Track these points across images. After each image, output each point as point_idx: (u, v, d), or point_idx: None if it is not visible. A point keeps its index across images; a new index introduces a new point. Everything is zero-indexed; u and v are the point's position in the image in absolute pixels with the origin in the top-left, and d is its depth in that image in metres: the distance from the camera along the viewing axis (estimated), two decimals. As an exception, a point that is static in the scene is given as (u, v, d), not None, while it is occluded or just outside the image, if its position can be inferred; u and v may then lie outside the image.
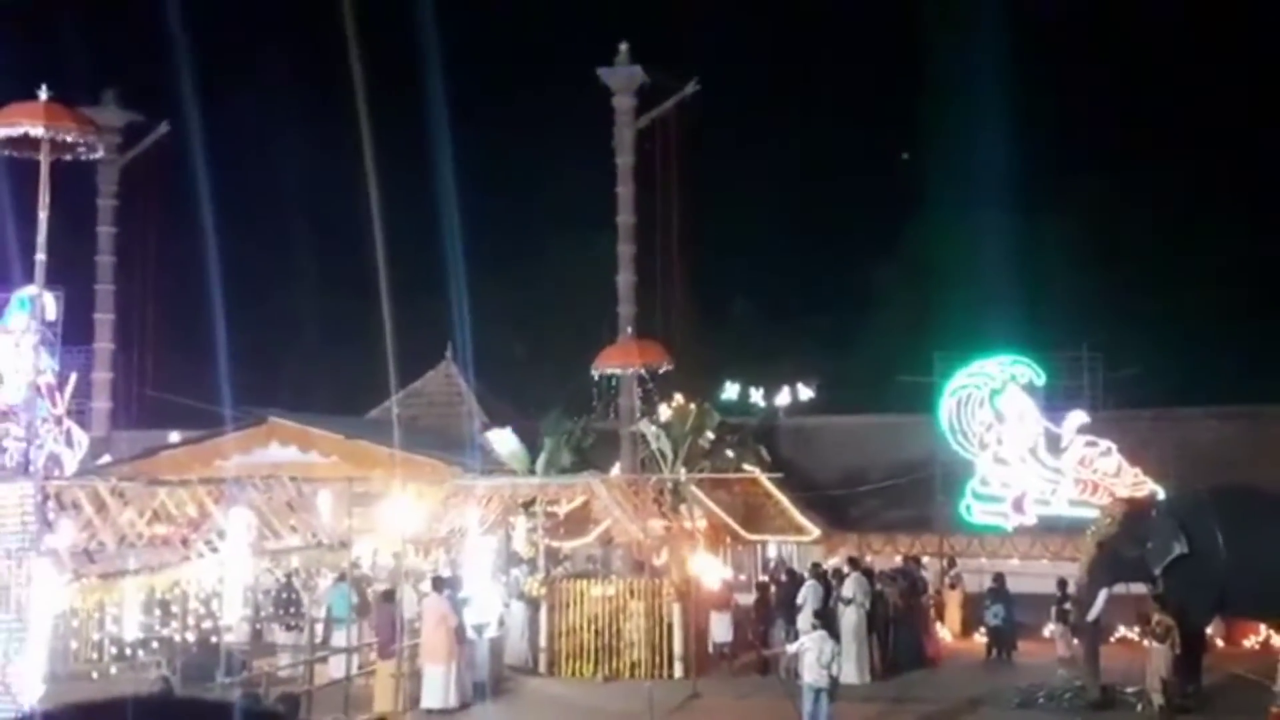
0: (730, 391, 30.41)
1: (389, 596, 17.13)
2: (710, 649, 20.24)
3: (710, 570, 20.49)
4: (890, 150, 38.32)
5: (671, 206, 25.10)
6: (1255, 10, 35.53)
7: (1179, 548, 16.65)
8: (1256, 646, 21.15)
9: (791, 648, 15.46)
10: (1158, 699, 16.26)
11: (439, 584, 17.26)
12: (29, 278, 17.82)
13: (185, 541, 13.78)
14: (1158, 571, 17.01)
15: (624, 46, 25.33)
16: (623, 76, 25.28)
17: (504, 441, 22.53)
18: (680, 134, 25.26)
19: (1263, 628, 21.06)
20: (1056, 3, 37.69)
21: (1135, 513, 18.09)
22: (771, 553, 26.50)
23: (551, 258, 37.41)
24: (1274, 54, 34.63)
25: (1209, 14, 36.12)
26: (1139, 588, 18.30)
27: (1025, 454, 23.93)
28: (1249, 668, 18.29)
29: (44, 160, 15.69)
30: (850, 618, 19.03)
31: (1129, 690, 17.06)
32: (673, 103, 25.39)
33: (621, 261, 25.23)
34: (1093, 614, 17.40)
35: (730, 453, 24.51)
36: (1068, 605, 19.49)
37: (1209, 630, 18.64)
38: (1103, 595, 17.37)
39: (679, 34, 31.39)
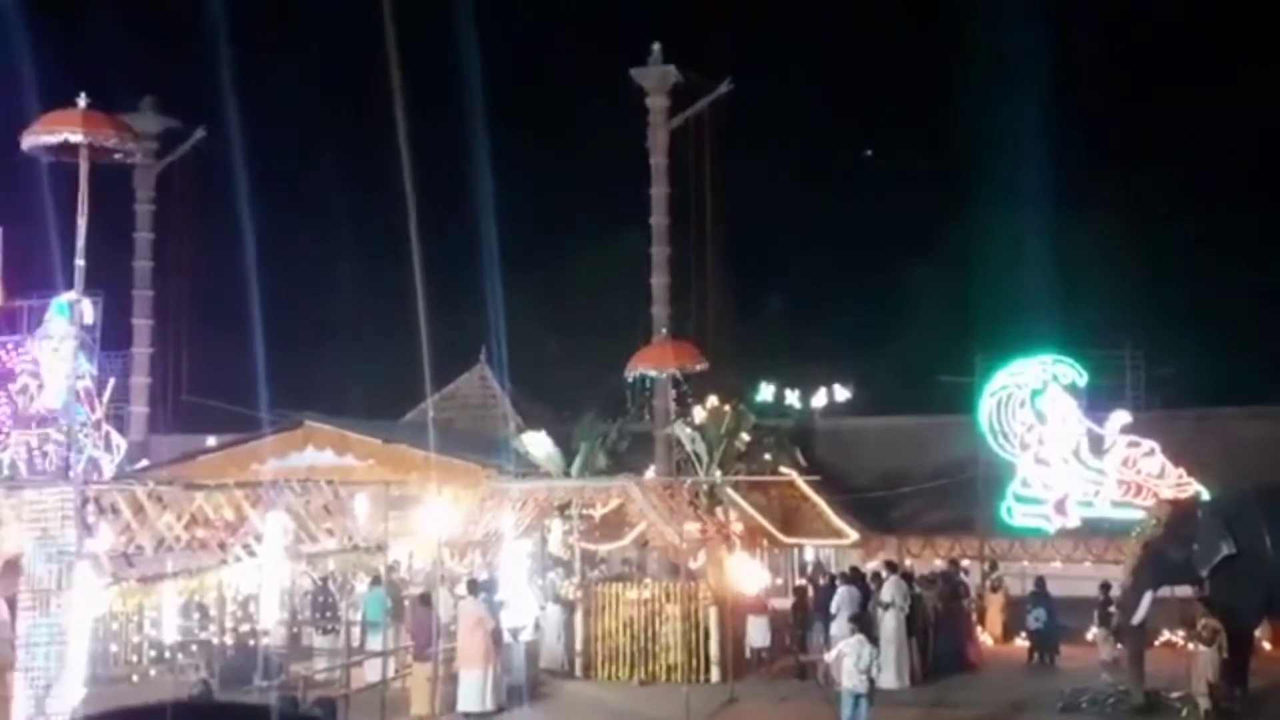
0: (766, 393, 30.22)
1: (425, 600, 17.12)
2: (748, 653, 20.11)
3: (749, 573, 20.37)
4: (927, 148, 37.98)
5: (705, 207, 24.98)
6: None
7: (1226, 548, 16.37)
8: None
9: (830, 654, 15.31)
10: (1204, 704, 15.99)
11: (475, 587, 17.23)
12: (68, 283, 17.96)
13: (223, 545, 13.82)
14: (1204, 573, 16.72)
15: (656, 46, 25.23)
16: (655, 76, 25.19)
17: (539, 444, 22.50)
18: (714, 134, 25.12)
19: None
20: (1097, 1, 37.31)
21: (1180, 514, 17.76)
22: (809, 556, 26.31)
23: (585, 259, 37.38)
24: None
25: (1249, 9, 35.61)
26: (1183, 590, 18.03)
27: (1067, 455, 23.61)
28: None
29: (83, 166, 15.78)
30: (889, 622, 18.83)
31: (1174, 695, 16.78)
32: (706, 102, 25.25)
33: (655, 263, 25.13)
34: (1138, 617, 17.11)
35: (766, 455, 24.36)
36: (1111, 608, 19.21)
37: (1256, 633, 18.29)
38: (1148, 598, 17.06)
39: (712, 33, 31.25)
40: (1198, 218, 33.60)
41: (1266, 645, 20.30)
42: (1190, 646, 16.63)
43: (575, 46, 38.25)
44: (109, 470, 23.04)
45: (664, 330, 24.19)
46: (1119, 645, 18.69)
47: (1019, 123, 31.46)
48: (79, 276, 16.48)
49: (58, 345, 22.12)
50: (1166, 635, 20.43)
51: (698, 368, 22.80)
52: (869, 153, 38.87)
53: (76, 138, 15.32)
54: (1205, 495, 21.08)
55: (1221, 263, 33.33)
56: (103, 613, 12.30)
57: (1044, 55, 31.50)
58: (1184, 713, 16.32)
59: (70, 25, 31.44)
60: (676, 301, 25.14)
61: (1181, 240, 33.25)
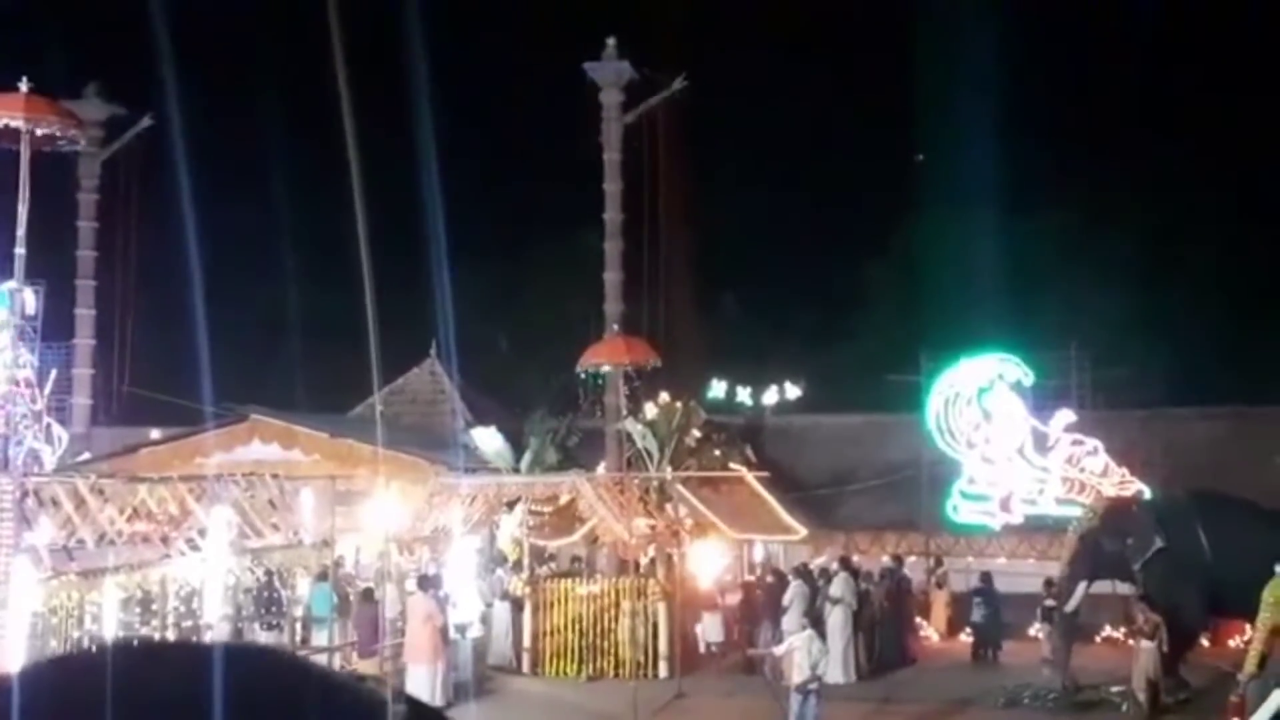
0: (717, 390, 30.29)
1: (369, 596, 16.99)
2: (701, 648, 20.19)
3: (704, 568, 20.46)
4: (881, 148, 38.23)
5: (659, 203, 24.97)
6: (1247, 12, 35.61)
7: (1159, 541, 16.84)
8: (1242, 645, 21.15)
9: (780, 648, 15.39)
10: (1144, 698, 16.26)
11: (425, 583, 17.13)
12: (8, 272, 17.60)
13: (166, 539, 13.64)
14: (1137, 567, 17.15)
15: (611, 41, 25.15)
16: (610, 72, 25.11)
17: (489, 440, 22.40)
18: (668, 130, 25.10)
19: (1247, 627, 21.09)
20: (1049, 2, 37.79)
21: (1117, 509, 18.43)
22: (758, 552, 26.42)
23: (539, 256, 37.26)
24: (1265, 55, 34.70)
25: (1201, 15, 36.23)
26: (1125, 588, 18.36)
27: (1012, 453, 23.89)
28: (1234, 666, 18.29)
29: (24, 152, 15.52)
30: (836, 617, 18.97)
31: (1114, 690, 17.04)
32: (660, 99, 25.21)
33: (609, 259, 25.07)
34: (1071, 605, 17.55)
35: (717, 451, 24.41)
36: (1052, 603, 19.52)
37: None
38: (1081, 587, 17.53)
39: (667, 29, 31.27)
40: (1147, 220, 34.10)
41: (1204, 642, 20.66)
42: (1130, 642, 16.91)
43: (529, 40, 38.12)
44: (50, 462, 22.58)
45: (615, 327, 24.16)
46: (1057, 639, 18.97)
47: (970, 124, 31.79)
48: (19, 265, 16.20)
49: (-3, 335, 21.62)
50: (1108, 631, 20.75)
51: (650, 364, 22.80)
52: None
53: (18, 123, 15.06)
54: (1147, 494, 21.46)
55: (1170, 265, 33.86)
56: (42, 607, 12.09)
57: (998, 55, 31.85)
58: (1124, 707, 16.59)
59: (11, 7, 30.78)
60: (630, 299, 25.10)
61: (1130, 242, 33.72)
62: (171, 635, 15.74)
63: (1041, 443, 23.69)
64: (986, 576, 22.02)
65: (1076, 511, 21.02)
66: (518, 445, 22.66)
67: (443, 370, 28.27)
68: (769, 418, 29.74)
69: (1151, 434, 24.20)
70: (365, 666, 16.27)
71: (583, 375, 23.52)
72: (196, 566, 13.69)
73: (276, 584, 16.56)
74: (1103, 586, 18.47)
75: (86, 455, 25.08)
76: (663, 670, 18.81)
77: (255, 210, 34.39)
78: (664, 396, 24.21)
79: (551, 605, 19.51)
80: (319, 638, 17.63)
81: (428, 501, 19.94)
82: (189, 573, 13.79)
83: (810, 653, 14.14)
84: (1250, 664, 13.67)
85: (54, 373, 24.45)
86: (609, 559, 21.95)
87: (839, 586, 19.43)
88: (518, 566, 21.12)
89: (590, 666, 19.17)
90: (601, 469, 22.90)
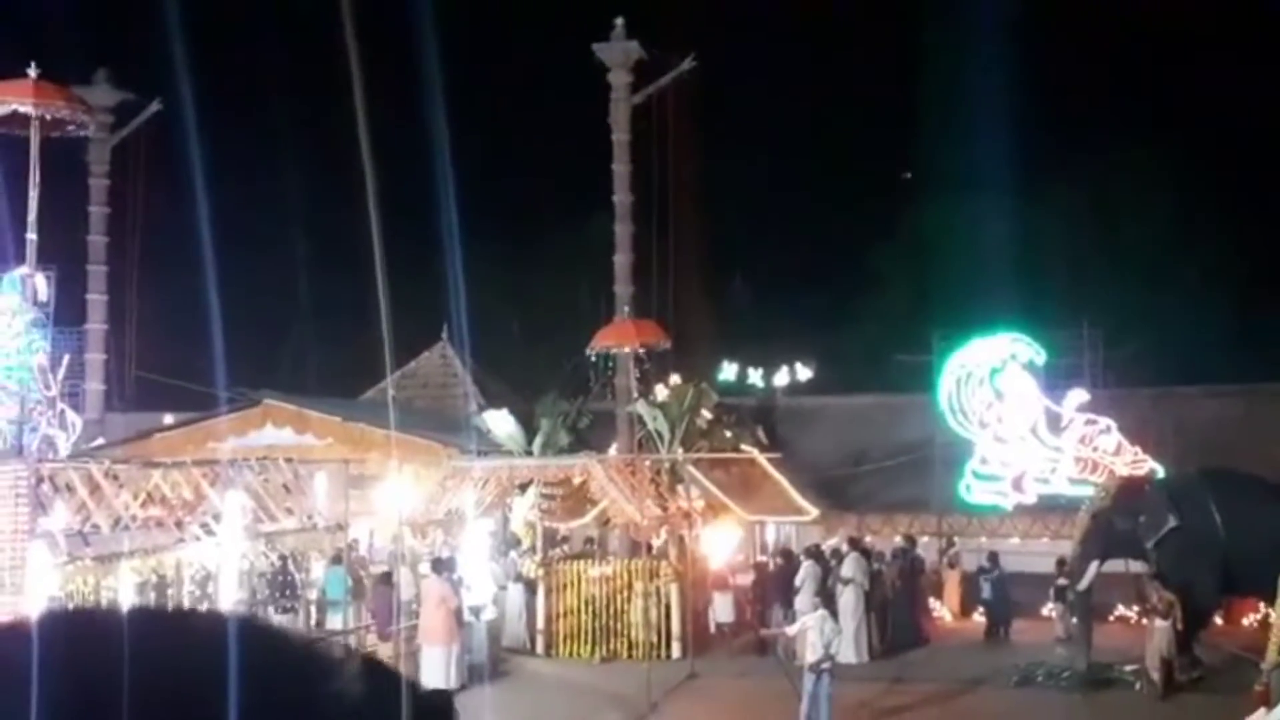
0: (728, 371, 30.27)
1: (386, 579, 17.05)
2: (713, 628, 20.22)
3: (716, 548, 20.49)
4: (889, 129, 38.10)
5: (668, 184, 24.90)
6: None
7: (1173, 520, 16.79)
8: (1255, 625, 21.13)
9: (792, 629, 15.42)
10: (1158, 677, 16.26)
11: (439, 565, 17.19)
12: (19, 257, 17.65)
13: (180, 524, 13.70)
14: (1150, 545, 17.11)
15: (619, 21, 25.06)
16: (618, 52, 25.02)
17: (501, 422, 22.44)
18: (677, 111, 25.01)
19: (1261, 606, 21.06)
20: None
21: (1129, 487, 18.38)
22: (770, 533, 26.45)
23: (547, 237, 37.24)
24: (1272, 33, 34.41)
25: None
26: (1138, 566, 18.35)
27: (1025, 432, 23.82)
28: (1245, 645, 18.30)
29: (34, 138, 15.56)
30: (848, 598, 18.99)
31: (1128, 668, 17.04)
32: (669, 79, 25.12)
33: (618, 240, 25.03)
34: (1083, 583, 17.54)
35: (728, 433, 24.41)
36: (1064, 582, 19.51)
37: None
38: (1094, 566, 17.49)
39: (676, 9, 31.14)
40: (1156, 199, 33.90)
41: (1218, 620, 20.63)
42: (1144, 621, 16.89)
43: (537, 21, 38.00)
44: (64, 448, 22.68)
45: (626, 309, 24.15)
46: (1074, 620, 18.98)
47: (980, 103, 31.60)
48: (31, 250, 16.26)
49: (10, 321, 21.70)
50: (1120, 610, 20.73)
51: (660, 346, 22.79)
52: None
53: (27, 108, 15.08)
54: (1160, 473, 21.42)
55: (1180, 244, 33.68)
56: (58, 592, 12.16)
57: (1006, 35, 31.62)
58: (1137, 685, 16.59)
59: (21, -5, 30.73)
60: (640, 280, 25.07)
61: (1140, 221, 33.55)
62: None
63: (1055, 422, 23.61)
64: (993, 556, 22.02)
65: (1089, 491, 20.98)
66: (529, 428, 22.69)
67: (454, 354, 28.31)
68: (780, 399, 29.70)
69: (1162, 412, 24.10)
70: (382, 649, 16.37)
71: (593, 358, 23.52)
72: (211, 551, 13.77)
73: (291, 568, 16.64)
74: (1115, 565, 18.45)
75: (100, 440, 25.20)
76: (675, 651, 18.86)
77: (266, 195, 34.44)
78: (675, 378, 24.21)
79: (564, 587, 19.56)
80: (333, 621, 17.73)
81: (441, 484, 19.99)
82: (204, 557, 13.87)
83: (823, 632, 14.16)
84: (1272, 653, 13.60)
85: (66, 358, 24.56)
86: (621, 541, 21.99)
87: (850, 566, 19.45)
88: (531, 549, 21.18)
89: (603, 648, 19.22)
90: (613, 451, 22.93)
